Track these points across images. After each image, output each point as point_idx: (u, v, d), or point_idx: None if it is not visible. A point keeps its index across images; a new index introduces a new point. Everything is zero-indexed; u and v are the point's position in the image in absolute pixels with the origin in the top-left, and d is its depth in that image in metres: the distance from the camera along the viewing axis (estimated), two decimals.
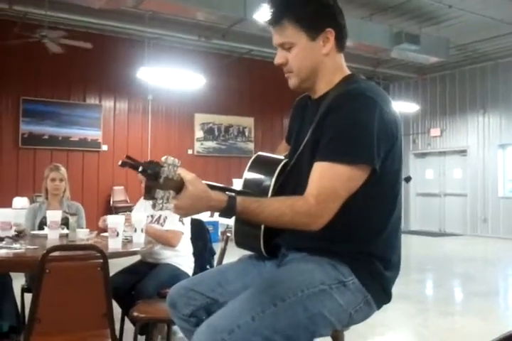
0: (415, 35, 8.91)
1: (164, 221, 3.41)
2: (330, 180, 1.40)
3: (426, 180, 12.83)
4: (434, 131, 12.49)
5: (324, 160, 1.42)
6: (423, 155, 12.95)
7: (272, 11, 1.53)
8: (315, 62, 1.55)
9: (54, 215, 3.09)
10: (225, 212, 1.38)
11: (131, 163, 1.34)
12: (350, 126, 1.42)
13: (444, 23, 9.06)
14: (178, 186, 1.36)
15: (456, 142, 12.06)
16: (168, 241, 3.29)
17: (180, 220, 3.34)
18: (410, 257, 8.52)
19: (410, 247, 10.00)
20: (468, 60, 11.33)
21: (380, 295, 1.54)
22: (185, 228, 3.38)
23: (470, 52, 10.81)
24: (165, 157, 1.36)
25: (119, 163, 1.34)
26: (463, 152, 11.95)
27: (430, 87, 12.66)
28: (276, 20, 1.53)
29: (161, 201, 1.35)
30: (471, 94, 11.75)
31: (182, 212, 1.39)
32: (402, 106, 11.82)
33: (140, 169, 1.33)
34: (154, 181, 1.34)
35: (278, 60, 1.58)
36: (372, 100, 1.44)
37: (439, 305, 4.94)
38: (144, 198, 1.39)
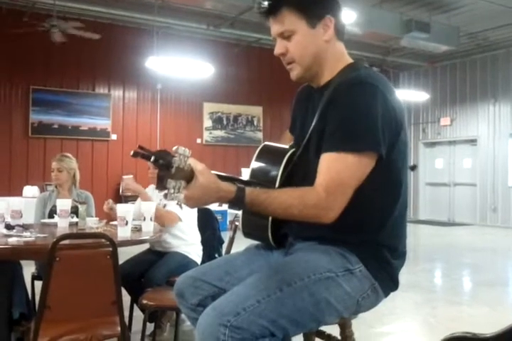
0: (425, 23, 8.82)
1: (164, 207, 3.43)
2: (338, 171, 1.41)
3: (435, 170, 12.78)
4: (444, 120, 12.40)
5: (330, 151, 1.42)
6: (433, 144, 12.88)
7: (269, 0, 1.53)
8: (317, 50, 1.55)
9: (64, 204, 3.11)
10: (234, 204, 1.39)
11: (143, 153, 1.36)
12: (353, 114, 1.41)
13: (455, 11, 8.95)
14: (189, 176, 1.37)
15: (467, 131, 11.97)
16: (161, 219, 3.25)
17: (177, 204, 3.35)
18: (419, 246, 8.51)
19: (419, 237, 9.99)
20: (479, 49, 11.21)
21: (387, 282, 1.54)
22: (182, 212, 3.38)
23: (481, 41, 10.69)
24: (176, 147, 1.36)
25: (131, 153, 1.35)
26: (473, 141, 11.87)
27: (440, 75, 12.55)
28: (274, 9, 1.53)
29: (172, 191, 1.37)
30: (482, 83, 11.64)
31: (191, 202, 1.39)
32: (412, 95, 11.74)
33: (152, 159, 1.34)
34: (166, 171, 1.35)
35: (278, 50, 1.57)
36: (373, 87, 1.44)
37: (448, 295, 4.94)
38: (156, 188, 1.41)
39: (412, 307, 4.37)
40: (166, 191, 1.37)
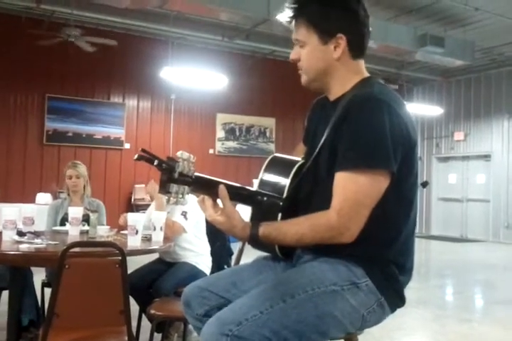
0: (440, 37, 8.82)
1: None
2: (352, 192, 1.41)
3: (448, 185, 12.68)
4: (458, 135, 12.34)
5: (344, 170, 1.42)
6: (446, 159, 12.80)
7: (290, 6, 1.56)
8: (324, 65, 1.56)
9: (75, 212, 3.13)
10: (250, 242, 1.49)
11: (147, 157, 1.38)
12: (364, 132, 1.41)
13: (470, 26, 8.95)
14: (191, 181, 1.40)
15: (480, 147, 11.90)
16: (165, 229, 3.13)
17: (182, 214, 3.35)
18: (430, 262, 8.44)
19: (431, 252, 9.91)
20: (494, 64, 11.17)
21: (394, 298, 1.53)
22: (187, 223, 3.38)
23: (496, 56, 10.66)
24: (180, 152, 1.39)
25: (135, 156, 1.38)
26: (487, 157, 11.78)
27: (455, 90, 12.51)
28: (293, 16, 1.57)
29: (175, 195, 1.38)
30: (497, 98, 11.58)
31: (215, 222, 1.48)
32: (426, 109, 11.70)
33: (155, 163, 1.36)
34: (169, 175, 1.36)
35: (292, 56, 1.61)
36: (385, 104, 1.43)
37: (458, 312, 4.87)
38: (159, 192, 1.42)
39: (421, 323, 4.32)
40: (168, 195, 1.38)
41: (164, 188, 1.39)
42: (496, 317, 4.59)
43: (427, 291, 5.55)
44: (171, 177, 1.37)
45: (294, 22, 1.57)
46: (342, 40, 1.52)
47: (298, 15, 1.55)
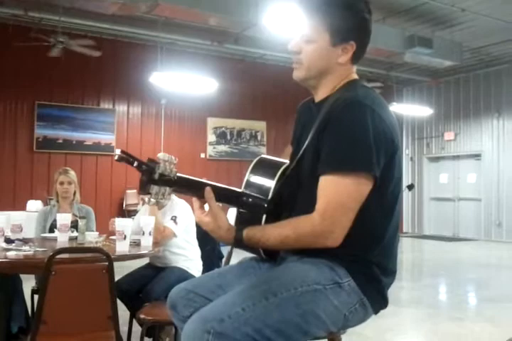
0: (428, 38, 8.88)
1: None
2: (336, 194, 1.41)
3: (440, 185, 12.74)
4: (448, 135, 12.41)
5: (327, 173, 1.43)
6: (437, 159, 12.87)
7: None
8: (327, 66, 1.55)
9: (64, 218, 3.13)
10: (235, 244, 1.51)
11: (127, 158, 1.38)
12: (347, 136, 1.42)
13: (457, 27, 9.01)
14: (173, 182, 1.41)
15: (471, 146, 11.97)
16: (155, 233, 3.14)
17: (172, 219, 3.36)
18: (423, 262, 8.46)
19: (423, 252, 9.94)
20: (482, 64, 11.25)
21: (377, 299, 1.54)
22: (177, 228, 3.39)
23: (484, 56, 10.74)
24: (161, 154, 1.40)
25: (115, 157, 1.38)
26: (477, 156, 11.85)
27: (444, 90, 12.59)
28: (310, 9, 1.53)
29: (155, 196, 1.39)
30: (486, 98, 11.66)
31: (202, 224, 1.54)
32: (416, 110, 11.77)
33: (135, 164, 1.37)
34: (149, 176, 1.37)
35: (293, 48, 1.56)
36: (368, 108, 1.43)
37: (450, 311, 4.90)
38: (139, 193, 1.43)
39: (413, 323, 4.33)
40: (148, 196, 1.40)
41: (144, 189, 1.40)
42: (488, 315, 4.61)
43: (420, 291, 5.56)
44: (151, 178, 1.39)
45: (307, 13, 1.53)
46: (352, 48, 1.53)
47: (317, 10, 1.51)
